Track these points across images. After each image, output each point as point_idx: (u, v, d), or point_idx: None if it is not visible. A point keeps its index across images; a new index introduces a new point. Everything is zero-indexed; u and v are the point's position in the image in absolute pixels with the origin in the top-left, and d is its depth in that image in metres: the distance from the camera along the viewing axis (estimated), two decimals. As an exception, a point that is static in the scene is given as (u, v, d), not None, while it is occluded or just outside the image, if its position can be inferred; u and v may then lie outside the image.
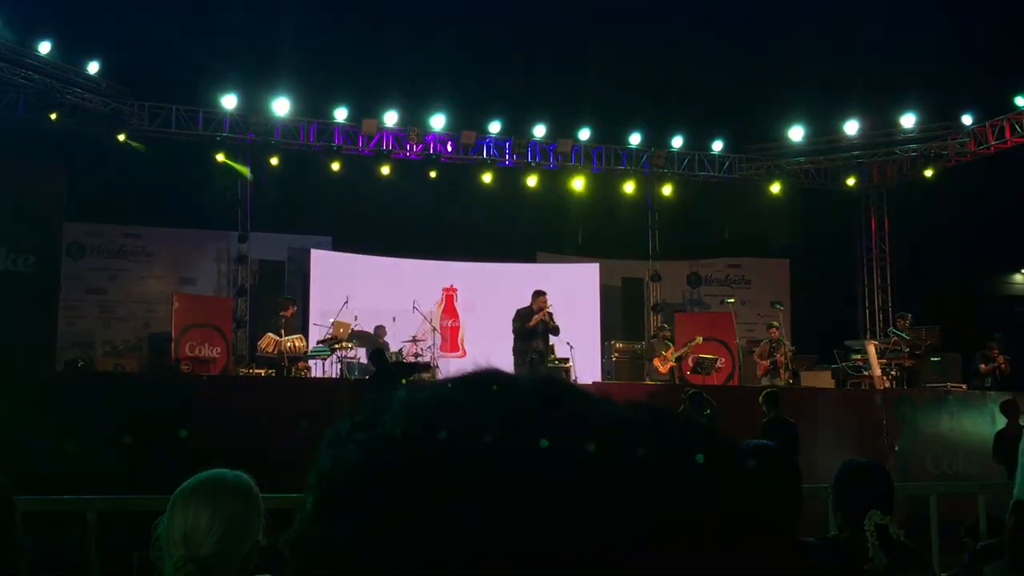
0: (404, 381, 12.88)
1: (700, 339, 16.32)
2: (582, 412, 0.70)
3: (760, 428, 10.66)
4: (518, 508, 0.63)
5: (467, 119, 18.50)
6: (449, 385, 0.72)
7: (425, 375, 13.88)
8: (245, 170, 17.59)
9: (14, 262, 12.05)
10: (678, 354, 16.19)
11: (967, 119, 18.60)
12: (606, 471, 0.65)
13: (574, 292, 19.11)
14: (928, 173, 18.95)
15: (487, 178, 18.87)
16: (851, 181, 20.27)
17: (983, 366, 16.02)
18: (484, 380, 0.72)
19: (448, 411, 0.69)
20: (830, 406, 13.85)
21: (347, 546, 0.66)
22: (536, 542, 0.63)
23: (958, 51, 18.30)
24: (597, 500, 0.64)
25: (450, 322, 18.90)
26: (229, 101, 17.39)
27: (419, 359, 15.76)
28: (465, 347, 18.68)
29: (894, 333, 16.41)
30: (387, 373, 11.67)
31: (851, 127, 19.33)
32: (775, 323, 16.31)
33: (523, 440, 0.66)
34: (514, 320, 14.17)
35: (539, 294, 14.14)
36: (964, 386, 15.35)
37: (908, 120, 18.96)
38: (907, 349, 16.02)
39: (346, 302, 15.85)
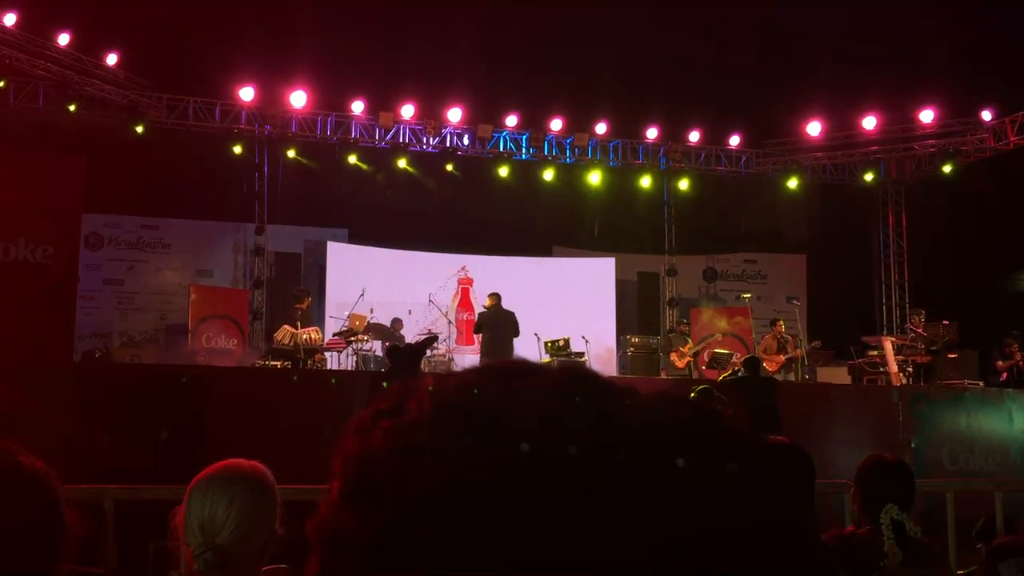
0: (420, 362, 12.95)
1: (719, 336, 16.36)
2: (608, 402, 0.70)
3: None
4: (547, 494, 0.63)
5: (484, 112, 18.48)
6: (474, 374, 0.72)
7: (435, 345, 14.19)
8: None
9: (32, 253, 12.11)
10: (695, 349, 16.18)
11: (986, 114, 18.48)
12: (631, 461, 0.65)
13: (590, 286, 19.16)
14: (946, 169, 18.81)
15: (503, 172, 18.85)
16: (869, 176, 20.15)
17: (1000, 363, 15.96)
18: (510, 369, 0.72)
19: (475, 399, 0.69)
20: (846, 402, 13.78)
21: (375, 531, 0.66)
22: (561, 527, 0.63)
23: (977, 46, 18.16)
24: (622, 490, 0.64)
25: (466, 315, 18.91)
26: (246, 94, 17.43)
27: (430, 333, 15.71)
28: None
29: (911, 330, 16.34)
30: (403, 361, 11.67)
31: (869, 122, 19.22)
32: (780, 319, 16.35)
33: (551, 428, 0.66)
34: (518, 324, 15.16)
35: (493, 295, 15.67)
36: (981, 383, 15.25)
37: (927, 115, 18.84)
38: (923, 346, 15.95)
39: (362, 295, 15.85)
